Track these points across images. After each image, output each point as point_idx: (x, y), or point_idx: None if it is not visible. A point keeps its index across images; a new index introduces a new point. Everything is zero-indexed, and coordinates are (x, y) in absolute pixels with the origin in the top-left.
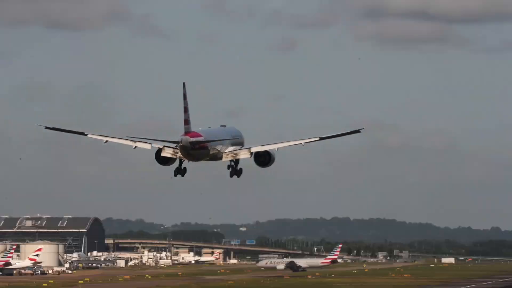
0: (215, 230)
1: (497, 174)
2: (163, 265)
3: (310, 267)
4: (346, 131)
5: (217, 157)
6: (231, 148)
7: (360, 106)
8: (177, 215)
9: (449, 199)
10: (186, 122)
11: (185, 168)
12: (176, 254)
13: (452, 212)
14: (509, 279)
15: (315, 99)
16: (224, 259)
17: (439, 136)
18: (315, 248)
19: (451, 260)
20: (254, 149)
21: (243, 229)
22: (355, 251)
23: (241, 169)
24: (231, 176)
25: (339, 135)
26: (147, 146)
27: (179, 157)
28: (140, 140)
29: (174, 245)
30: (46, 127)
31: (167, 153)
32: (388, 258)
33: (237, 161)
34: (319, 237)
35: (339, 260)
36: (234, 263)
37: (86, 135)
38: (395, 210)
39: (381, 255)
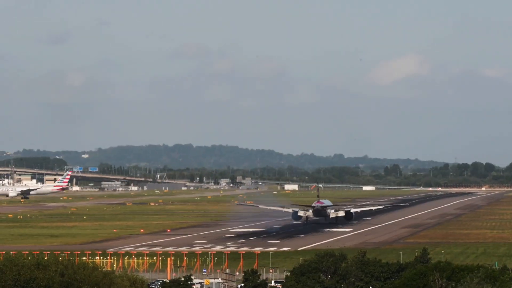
0: (57, 157)
1: (339, 100)
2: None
3: (39, 194)
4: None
5: (327, 215)
6: (332, 210)
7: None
8: (19, 142)
9: (290, 126)
10: (318, 196)
11: (309, 221)
12: (19, 181)
13: (295, 139)
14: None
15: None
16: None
17: (270, 63)
18: (158, 175)
19: (295, 186)
20: (346, 210)
21: (85, 156)
22: (197, 178)
23: (338, 219)
24: (335, 222)
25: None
26: (289, 210)
27: (307, 216)
28: (285, 206)
29: (17, 172)
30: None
31: (300, 213)
32: (231, 185)
33: (337, 217)
34: (162, 164)
35: (71, 188)
36: (77, 190)
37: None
38: (238, 136)
39: (224, 182)
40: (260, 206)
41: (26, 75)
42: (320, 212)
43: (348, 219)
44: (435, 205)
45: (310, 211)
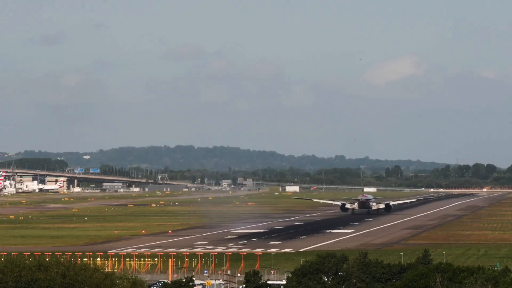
0: (58, 158)
1: (340, 101)
2: (7, 194)
3: None
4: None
5: (370, 207)
6: (374, 203)
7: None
8: (20, 143)
9: (291, 127)
10: (363, 194)
11: (355, 212)
12: (20, 182)
13: (296, 140)
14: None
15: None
16: (68, 187)
17: (270, 64)
18: (159, 176)
19: (296, 188)
20: (386, 203)
21: (87, 157)
22: (199, 179)
23: (379, 211)
24: (376, 213)
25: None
26: (338, 203)
27: (353, 208)
28: (334, 200)
29: (18, 173)
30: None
31: (348, 205)
32: (232, 186)
33: (378, 209)
34: (163, 165)
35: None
36: (78, 191)
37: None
38: (239, 138)
39: (225, 183)
40: (314, 200)
41: (27, 76)
42: (364, 204)
43: (388, 210)
44: (436, 206)
45: (356, 203)
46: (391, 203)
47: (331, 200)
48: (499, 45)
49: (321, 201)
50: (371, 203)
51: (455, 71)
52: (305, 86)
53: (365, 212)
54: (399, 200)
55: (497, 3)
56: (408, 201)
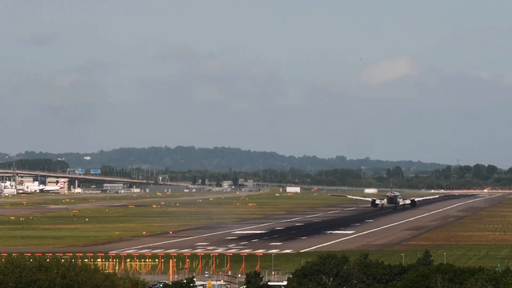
0: (59, 159)
1: (341, 102)
2: (7, 194)
3: None
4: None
5: (397, 202)
6: (401, 199)
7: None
8: (21, 144)
9: (292, 128)
10: (391, 191)
11: (384, 208)
12: (21, 183)
13: (297, 141)
14: (354, 208)
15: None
16: (69, 188)
17: (269, 65)
18: (160, 177)
19: (297, 189)
20: (411, 199)
21: (88, 158)
22: (200, 180)
23: (405, 206)
24: (402, 209)
25: (447, 196)
26: (369, 199)
27: (382, 203)
28: (365, 197)
29: (19, 174)
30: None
31: (378, 201)
32: (233, 187)
33: (404, 204)
34: (164, 166)
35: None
36: (79, 192)
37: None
38: (240, 138)
39: (226, 184)
40: (348, 196)
41: (27, 76)
42: (392, 200)
43: (413, 205)
44: (437, 207)
45: (385, 199)
46: (416, 199)
47: (362, 197)
48: (498, 46)
49: (354, 197)
50: (398, 199)
51: (452, 71)
52: (306, 86)
53: (392, 207)
54: (423, 197)
55: (494, 5)
56: (431, 197)
